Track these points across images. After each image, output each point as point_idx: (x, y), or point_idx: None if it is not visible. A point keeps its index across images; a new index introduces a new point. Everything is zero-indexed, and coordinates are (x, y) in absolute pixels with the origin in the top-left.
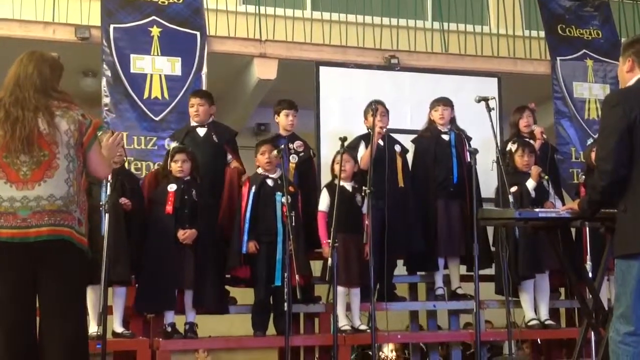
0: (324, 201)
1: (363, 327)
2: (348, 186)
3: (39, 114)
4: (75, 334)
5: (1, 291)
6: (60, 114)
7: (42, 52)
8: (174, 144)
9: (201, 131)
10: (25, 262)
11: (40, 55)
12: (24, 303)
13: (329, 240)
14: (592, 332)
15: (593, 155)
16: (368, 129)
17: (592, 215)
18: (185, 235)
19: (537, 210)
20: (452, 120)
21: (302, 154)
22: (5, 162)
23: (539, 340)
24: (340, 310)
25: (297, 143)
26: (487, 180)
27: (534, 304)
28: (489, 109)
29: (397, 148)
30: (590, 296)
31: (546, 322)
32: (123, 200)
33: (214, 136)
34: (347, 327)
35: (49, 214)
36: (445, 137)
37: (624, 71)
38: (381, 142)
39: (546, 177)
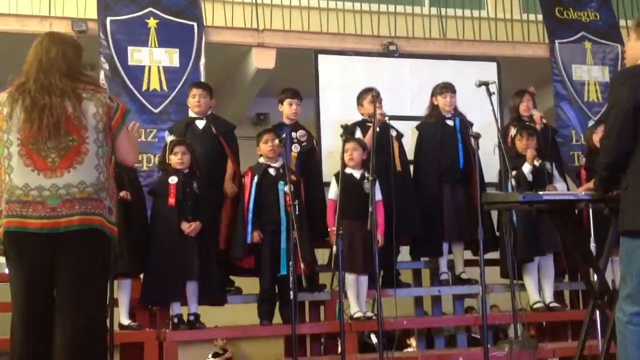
0: (333, 189)
1: (369, 314)
2: (356, 173)
3: (65, 98)
4: (87, 324)
5: (22, 283)
6: (88, 96)
7: (62, 33)
8: (171, 137)
9: (200, 123)
10: (49, 253)
11: (61, 37)
12: (45, 296)
13: (334, 228)
14: (598, 313)
15: (594, 137)
16: (363, 116)
17: (605, 192)
18: (191, 228)
19: (541, 193)
20: (455, 106)
21: (305, 143)
22: (32, 149)
23: (543, 322)
24: (352, 297)
25: (300, 132)
26: (489, 164)
27: (539, 287)
28: (490, 93)
29: (393, 132)
30: (596, 277)
31: (551, 305)
32: (122, 193)
33: (213, 128)
34: (360, 314)
35: (80, 202)
36: (450, 122)
37: (636, 48)
38: (377, 128)
39: (540, 161)
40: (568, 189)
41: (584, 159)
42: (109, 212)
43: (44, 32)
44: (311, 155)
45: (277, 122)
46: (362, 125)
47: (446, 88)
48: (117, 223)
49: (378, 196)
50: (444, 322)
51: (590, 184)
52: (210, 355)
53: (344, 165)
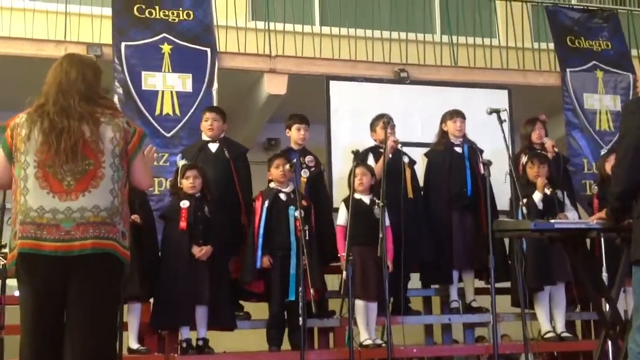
0: (342, 215)
1: (379, 341)
2: (366, 199)
3: (83, 122)
4: (97, 349)
5: (33, 304)
6: (106, 121)
7: (82, 55)
8: (183, 162)
9: (213, 147)
10: (62, 276)
11: (80, 58)
12: (56, 318)
13: (344, 254)
14: (610, 344)
15: (607, 165)
16: (376, 142)
17: (616, 222)
18: (201, 252)
19: (552, 221)
20: (464, 133)
21: (313, 168)
22: (49, 172)
23: (555, 352)
24: (362, 324)
25: (308, 158)
26: (500, 192)
27: (550, 316)
28: (501, 121)
29: (405, 159)
30: (608, 307)
31: (562, 335)
32: (133, 216)
33: (225, 152)
34: (370, 342)
35: (94, 226)
36: (459, 149)
37: None
38: (389, 155)
39: (551, 189)
40: (579, 218)
41: (596, 187)
42: (122, 237)
43: (60, 56)
44: (319, 180)
45: (286, 147)
46: (375, 151)
47: (456, 113)
48: (130, 247)
49: (386, 222)
50: (455, 351)
51: (602, 213)
52: None
53: (353, 191)
